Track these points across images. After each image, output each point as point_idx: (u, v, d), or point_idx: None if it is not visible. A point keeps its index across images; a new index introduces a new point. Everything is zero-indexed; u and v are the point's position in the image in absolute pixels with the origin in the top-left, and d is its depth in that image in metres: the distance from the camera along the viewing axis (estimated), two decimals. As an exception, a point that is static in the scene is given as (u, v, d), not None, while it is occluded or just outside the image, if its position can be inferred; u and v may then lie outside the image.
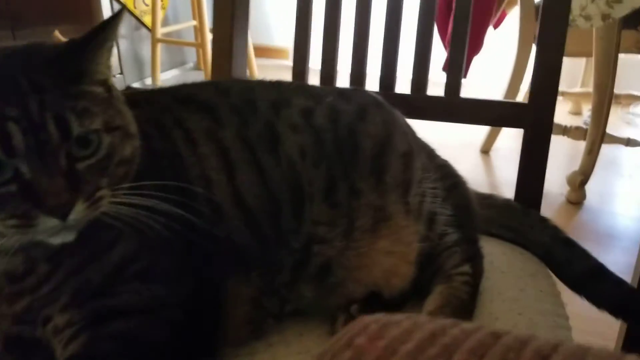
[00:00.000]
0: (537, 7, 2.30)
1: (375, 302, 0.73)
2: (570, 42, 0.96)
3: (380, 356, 0.32)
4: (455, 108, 1.03)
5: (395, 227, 0.74)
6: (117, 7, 3.18)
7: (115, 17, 0.58)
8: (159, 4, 3.16)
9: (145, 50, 3.34)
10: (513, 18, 2.37)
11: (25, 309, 0.62)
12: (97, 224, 0.57)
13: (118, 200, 0.57)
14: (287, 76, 0.99)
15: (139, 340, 0.62)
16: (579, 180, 2.16)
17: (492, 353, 0.31)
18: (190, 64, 3.65)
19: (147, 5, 3.31)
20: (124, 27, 3.24)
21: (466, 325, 0.36)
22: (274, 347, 0.70)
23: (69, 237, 0.56)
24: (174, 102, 0.76)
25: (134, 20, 3.29)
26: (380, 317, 0.39)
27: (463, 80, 1.04)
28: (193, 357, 0.65)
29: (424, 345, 0.32)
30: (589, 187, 2.20)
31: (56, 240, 0.56)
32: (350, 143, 0.77)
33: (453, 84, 1.03)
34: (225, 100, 0.77)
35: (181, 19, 3.49)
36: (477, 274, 0.77)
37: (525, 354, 0.31)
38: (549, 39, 0.95)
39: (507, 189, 2.32)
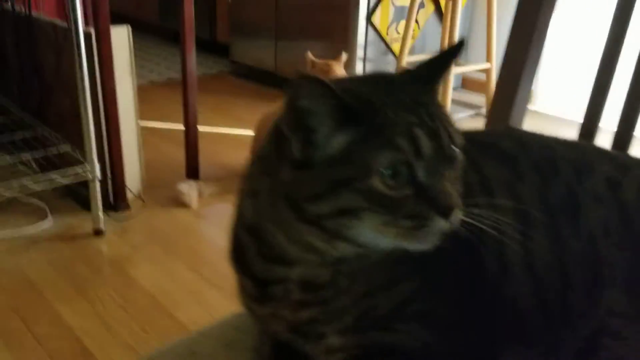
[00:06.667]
0: None
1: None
2: None
3: None
4: None
5: None
6: (371, 30, 3.32)
7: (458, 49, 0.62)
8: (410, 33, 3.23)
9: (387, 76, 3.43)
10: None
11: (308, 320, 0.63)
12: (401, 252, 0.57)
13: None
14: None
15: None
16: None
17: None
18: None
19: (398, 33, 3.40)
20: (373, 51, 3.37)
21: None
22: None
23: (428, 245, 0.55)
24: (471, 145, 0.74)
25: (383, 46, 3.40)
26: None
27: None
28: None
29: None
30: None
31: (416, 247, 0.55)
32: None
33: None
34: (525, 154, 0.73)
35: (427, 50, 3.53)
36: None
37: None
38: None
39: None
